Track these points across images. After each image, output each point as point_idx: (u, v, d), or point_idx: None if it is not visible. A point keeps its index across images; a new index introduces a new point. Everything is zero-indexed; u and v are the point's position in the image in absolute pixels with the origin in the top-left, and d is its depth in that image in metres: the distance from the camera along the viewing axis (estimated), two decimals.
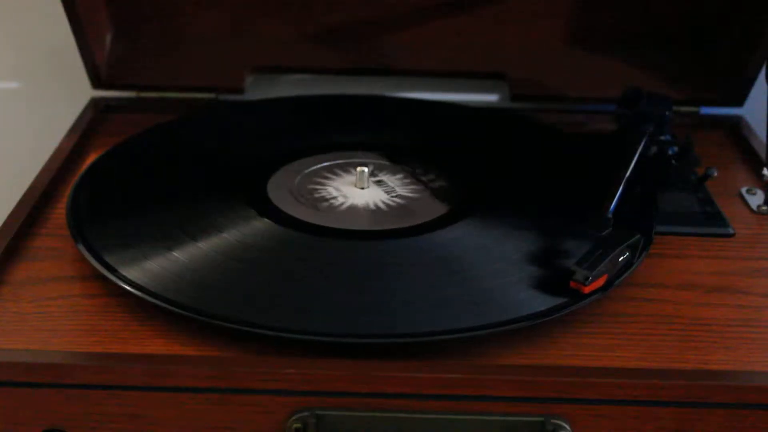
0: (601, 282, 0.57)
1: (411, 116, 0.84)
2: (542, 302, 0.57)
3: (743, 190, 0.74)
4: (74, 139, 0.79)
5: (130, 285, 0.57)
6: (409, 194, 0.69)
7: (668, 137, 0.72)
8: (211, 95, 0.88)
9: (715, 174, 0.71)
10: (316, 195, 0.69)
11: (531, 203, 0.69)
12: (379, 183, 0.70)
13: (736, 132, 0.85)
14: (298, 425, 0.53)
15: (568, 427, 0.52)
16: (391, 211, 0.67)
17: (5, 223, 0.66)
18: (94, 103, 0.87)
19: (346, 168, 0.72)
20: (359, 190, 0.69)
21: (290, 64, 0.89)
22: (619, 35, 0.89)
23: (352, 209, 0.67)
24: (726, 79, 0.86)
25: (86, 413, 0.53)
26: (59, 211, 0.69)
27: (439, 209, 0.67)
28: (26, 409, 0.53)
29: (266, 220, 0.64)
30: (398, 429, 0.53)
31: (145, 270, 0.59)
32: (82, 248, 0.61)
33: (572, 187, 0.71)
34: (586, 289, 0.56)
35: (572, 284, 0.57)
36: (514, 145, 0.79)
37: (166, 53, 0.89)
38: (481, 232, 0.64)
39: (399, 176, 0.72)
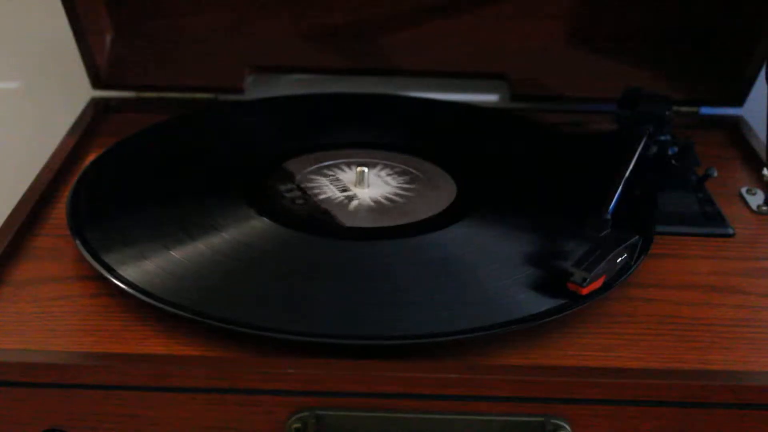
0: (599, 283, 0.57)
1: (412, 115, 0.84)
2: (542, 303, 0.57)
3: (743, 190, 0.74)
4: (74, 139, 0.79)
5: (129, 286, 0.57)
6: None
7: (668, 137, 0.72)
8: (211, 95, 0.88)
9: (715, 174, 0.71)
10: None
11: (531, 203, 0.69)
12: (381, 184, 0.70)
13: (736, 132, 0.85)
14: (298, 425, 0.53)
15: (568, 427, 0.52)
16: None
17: (5, 223, 0.66)
18: (94, 103, 0.87)
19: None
20: (359, 190, 0.69)
21: (290, 64, 0.89)
22: (619, 35, 0.89)
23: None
24: (726, 79, 0.86)
25: (86, 413, 0.53)
26: (59, 211, 0.69)
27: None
28: (26, 409, 0.53)
29: (266, 219, 0.64)
30: (398, 429, 0.53)
31: (145, 270, 0.59)
32: (81, 248, 0.61)
33: (572, 187, 0.71)
34: (584, 291, 0.56)
35: (570, 286, 0.57)
36: (514, 145, 0.79)
37: (166, 53, 0.89)
38: (480, 232, 0.64)
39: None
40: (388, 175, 0.72)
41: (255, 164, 0.72)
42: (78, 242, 0.61)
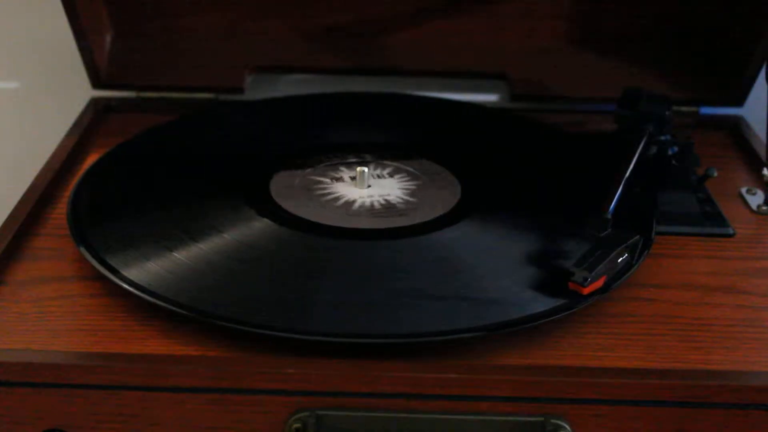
0: (600, 283, 0.57)
1: (412, 115, 0.84)
2: (542, 303, 0.57)
3: (743, 190, 0.74)
4: (74, 139, 0.79)
5: (130, 285, 0.57)
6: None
7: (668, 137, 0.72)
8: (211, 95, 0.88)
9: (715, 174, 0.71)
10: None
11: (531, 203, 0.69)
12: (382, 184, 0.70)
13: (736, 132, 0.85)
14: (298, 425, 0.53)
15: (568, 427, 0.52)
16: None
17: (5, 223, 0.66)
18: (94, 103, 0.87)
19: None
20: (359, 190, 0.69)
21: (290, 64, 0.89)
22: (619, 35, 0.89)
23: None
24: (726, 79, 0.86)
25: (86, 413, 0.53)
26: (59, 211, 0.69)
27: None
28: (26, 409, 0.53)
29: (266, 220, 0.64)
30: (398, 429, 0.53)
31: (145, 270, 0.59)
32: (82, 249, 0.61)
33: (572, 187, 0.71)
34: (585, 290, 0.56)
35: (571, 285, 0.57)
36: (514, 145, 0.79)
37: (166, 53, 0.89)
38: (481, 232, 0.64)
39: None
40: (389, 174, 0.72)
41: (256, 164, 0.72)
42: (79, 243, 0.61)
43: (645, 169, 0.70)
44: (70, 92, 0.91)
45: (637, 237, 0.61)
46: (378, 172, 0.72)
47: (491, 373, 0.53)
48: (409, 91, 0.90)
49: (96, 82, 0.87)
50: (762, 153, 0.78)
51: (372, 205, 0.67)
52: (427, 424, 0.53)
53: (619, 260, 0.59)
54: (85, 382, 0.52)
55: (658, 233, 0.67)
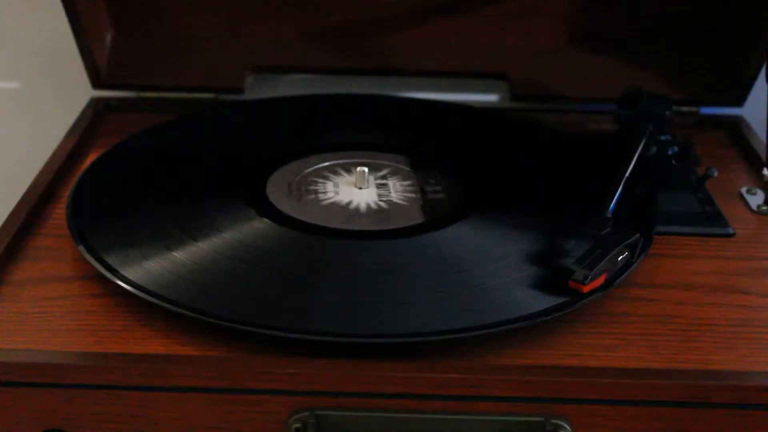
0: (600, 281, 0.57)
1: (411, 116, 0.84)
2: (542, 302, 0.57)
3: (743, 190, 0.74)
4: (74, 139, 0.79)
5: (130, 285, 0.57)
6: (402, 200, 0.69)
7: (668, 137, 0.72)
8: (211, 95, 0.88)
9: (715, 174, 0.71)
10: (316, 195, 0.69)
11: (531, 203, 0.69)
12: (382, 185, 0.70)
13: (736, 132, 0.85)
14: (298, 425, 0.53)
15: (568, 427, 0.52)
16: (393, 208, 0.67)
17: (5, 223, 0.66)
18: (94, 103, 0.87)
19: (346, 168, 0.72)
20: (359, 190, 0.69)
21: (290, 64, 0.89)
22: (619, 35, 0.89)
23: (352, 209, 0.67)
24: (726, 79, 0.86)
25: (86, 413, 0.53)
26: (59, 211, 0.69)
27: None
28: (26, 409, 0.53)
29: (266, 220, 0.64)
30: (398, 429, 0.53)
31: (145, 270, 0.59)
32: (82, 248, 0.61)
33: (572, 187, 0.71)
34: (585, 289, 0.56)
35: (571, 283, 0.57)
36: (514, 145, 0.79)
37: (166, 53, 0.89)
38: (480, 232, 0.64)
39: (405, 183, 0.71)
40: (388, 175, 0.72)
41: (255, 164, 0.72)
42: (79, 243, 0.61)
43: (645, 169, 0.70)
44: (70, 92, 0.91)
45: (638, 235, 0.61)
46: (378, 172, 0.72)
47: (491, 373, 0.53)
48: (409, 92, 0.90)
49: (96, 82, 0.87)
50: (762, 153, 0.78)
51: (371, 205, 0.67)
52: (427, 424, 0.53)
53: (620, 258, 0.59)
54: (85, 382, 0.52)
55: (658, 233, 0.67)
